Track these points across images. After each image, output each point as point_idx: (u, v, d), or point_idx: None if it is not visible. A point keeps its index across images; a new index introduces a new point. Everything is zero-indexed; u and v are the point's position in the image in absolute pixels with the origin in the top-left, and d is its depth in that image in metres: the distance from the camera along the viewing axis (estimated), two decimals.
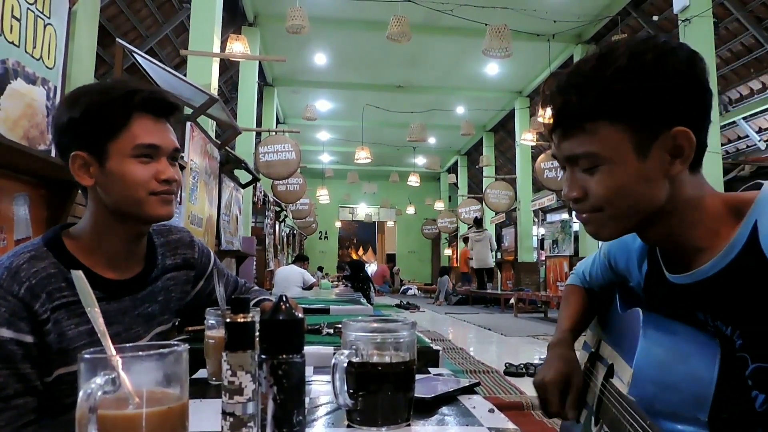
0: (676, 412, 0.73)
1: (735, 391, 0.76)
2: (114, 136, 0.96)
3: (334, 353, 0.78)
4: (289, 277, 7.58)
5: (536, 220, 13.47)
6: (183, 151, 3.99)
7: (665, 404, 0.74)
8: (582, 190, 0.82)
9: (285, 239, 13.66)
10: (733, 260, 0.76)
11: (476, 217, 13.55)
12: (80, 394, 0.52)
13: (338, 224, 21.83)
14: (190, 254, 1.20)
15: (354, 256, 22.87)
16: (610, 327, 1.03)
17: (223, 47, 6.77)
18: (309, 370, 1.15)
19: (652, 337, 0.79)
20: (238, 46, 6.30)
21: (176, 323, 1.20)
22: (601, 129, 0.77)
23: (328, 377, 0.77)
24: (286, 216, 12.65)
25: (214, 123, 5.72)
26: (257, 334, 0.69)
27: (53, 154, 2.25)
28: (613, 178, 0.78)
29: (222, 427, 0.66)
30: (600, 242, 1.00)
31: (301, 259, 8.70)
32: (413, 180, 14.82)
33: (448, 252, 21.16)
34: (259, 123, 11.34)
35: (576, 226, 10.84)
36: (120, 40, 3.47)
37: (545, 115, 0.83)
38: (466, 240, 13.77)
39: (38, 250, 0.96)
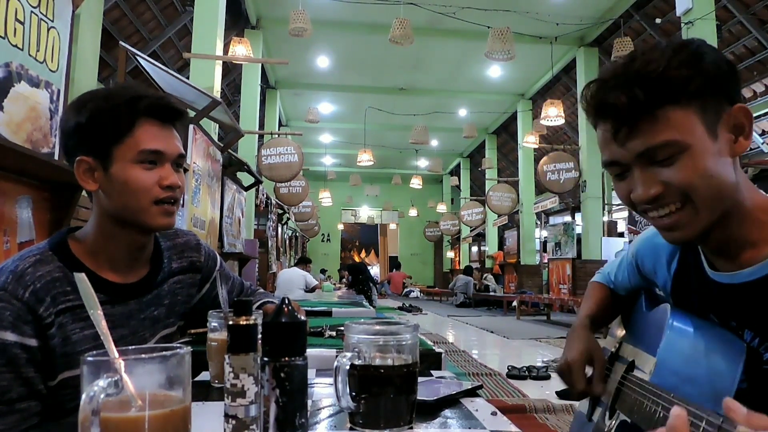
0: None
1: (761, 396, 0.75)
2: (119, 141, 0.96)
3: (337, 356, 0.78)
4: (292, 280, 7.58)
5: (539, 222, 13.45)
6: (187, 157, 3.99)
7: (685, 396, 0.73)
8: (662, 184, 0.78)
9: (287, 242, 13.66)
10: None
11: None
12: (83, 396, 0.52)
13: (341, 227, 21.83)
14: (196, 257, 1.20)
15: (356, 259, 22.88)
16: (633, 327, 1.03)
17: (225, 50, 6.79)
18: (311, 373, 1.15)
19: (678, 330, 0.79)
20: (240, 49, 6.32)
21: (181, 326, 1.20)
22: (671, 115, 0.76)
23: (330, 380, 0.77)
24: (288, 218, 12.65)
25: (217, 126, 5.73)
26: (260, 336, 0.69)
27: (56, 156, 2.26)
28: (696, 161, 0.76)
29: (224, 429, 0.66)
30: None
31: (303, 262, 8.69)
32: (415, 182, 14.83)
33: (450, 254, 21.15)
34: (261, 126, 11.35)
35: (579, 228, 10.81)
36: (123, 43, 3.48)
37: (597, 124, 0.81)
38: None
39: (44, 254, 0.96)
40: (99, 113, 0.96)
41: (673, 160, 0.77)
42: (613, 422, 0.88)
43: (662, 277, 0.98)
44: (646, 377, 0.78)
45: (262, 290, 1.44)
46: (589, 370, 0.99)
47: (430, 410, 0.91)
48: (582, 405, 1.12)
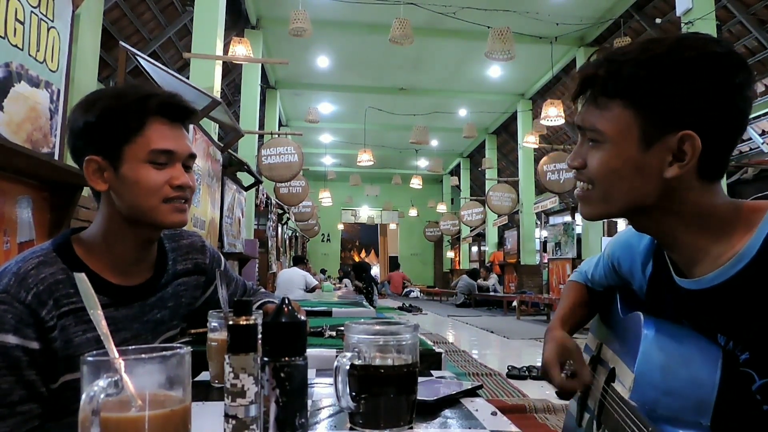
0: (679, 416, 0.72)
1: (741, 400, 0.75)
2: (129, 141, 0.96)
3: (337, 356, 0.78)
4: (292, 280, 7.57)
5: (539, 222, 13.44)
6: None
7: (667, 409, 0.73)
8: (582, 161, 0.83)
9: (287, 242, 13.66)
10: (740, 271, 0.74)
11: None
12: (83, 396, 0.52)
13: (341, 227, 21.83)
14: (201, 259, 1.20)
15: (356, 259, 22.88)
16: (611, 330, 1.02)
17: (225, 50, 6.79)
18: (311, 373, 1.15)
19: (654, 341, 0.78)
20: (240, 49, 6.31)
21: (183, 327, 1.19)
22: (614, 108, 0.77)
23: (330, 380, 0.77)
24: (288, 218, 12.65)
25: (217, 126, 5.72)
26: (260, 336, 0.69)
27: (56, 156, 2.26)
28: (610, 158, 0.79)
29: (224, 429, 0.66)
30: (604, 243, 0.99)
31: (300, 261, 8.67)
32: (415, 182, 14.82)
33: (450, 254, 21.14)
34: (261, 126, 11.35)
35: (579, 228, 10.82)
36: (123, 43, 3.48)
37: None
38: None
39: (47, 256, 0.95)
40: (109, 112, 0.95)
41: (595, 145, 0.81)
42: None
43: (638, 280, 0.98)
44: (626, 393, 0.77)
45: (263, 290, 1.43)
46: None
47: (430, 410, 0.91)
48: (572, 406, 1.12)
